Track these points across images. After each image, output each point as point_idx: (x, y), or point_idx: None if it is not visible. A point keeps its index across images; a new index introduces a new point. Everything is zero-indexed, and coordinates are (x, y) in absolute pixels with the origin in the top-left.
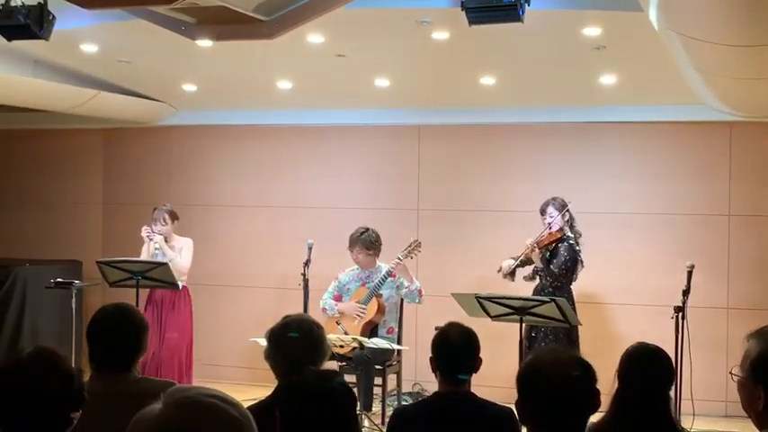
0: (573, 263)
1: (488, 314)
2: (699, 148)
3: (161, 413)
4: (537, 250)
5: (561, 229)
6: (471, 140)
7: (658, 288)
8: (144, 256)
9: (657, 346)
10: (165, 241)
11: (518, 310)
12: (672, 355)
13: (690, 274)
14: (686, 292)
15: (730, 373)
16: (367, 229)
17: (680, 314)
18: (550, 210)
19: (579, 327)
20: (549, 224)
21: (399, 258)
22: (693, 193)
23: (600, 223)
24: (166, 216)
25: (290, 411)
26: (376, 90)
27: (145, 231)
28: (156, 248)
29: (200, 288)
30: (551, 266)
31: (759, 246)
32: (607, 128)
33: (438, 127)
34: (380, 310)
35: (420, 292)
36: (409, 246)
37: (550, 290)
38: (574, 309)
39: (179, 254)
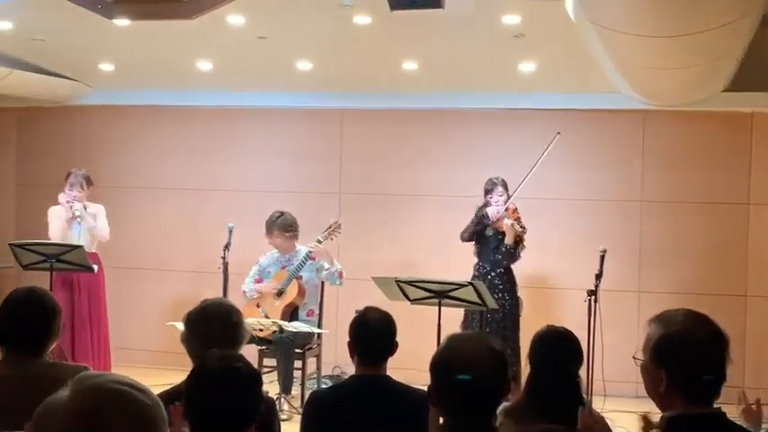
0: (518, 242)
1: (408, 298)
2: (613, 136)
3: (69, 400)
4: (517, 226)
5: (516, 209)
6: (394, 125)
7: (573, 272)
8: (57, 230)
9: (565, 329)
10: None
11: (437, 293)
12: (584, 337)
13: (602, 258)
14: (599, 276)
15: (633, 357)
16: (282, 213)
17: (592, 297)
18: (501, 189)
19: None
20: (505, 203)
21: (319, 240)
22: (608, 180)
23: (519, 208)
24: (83, 182)
25: (193, 395)
26: (298, 73)
27: (64, 198)
28: (77, 216)
29: (117, 272)
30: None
31: (669, 231)
32: (527, 114)
33: (361, 111)
34: (301, 292)
35: (341, 274)
36: (329, 228)
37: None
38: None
39: (94, 219)
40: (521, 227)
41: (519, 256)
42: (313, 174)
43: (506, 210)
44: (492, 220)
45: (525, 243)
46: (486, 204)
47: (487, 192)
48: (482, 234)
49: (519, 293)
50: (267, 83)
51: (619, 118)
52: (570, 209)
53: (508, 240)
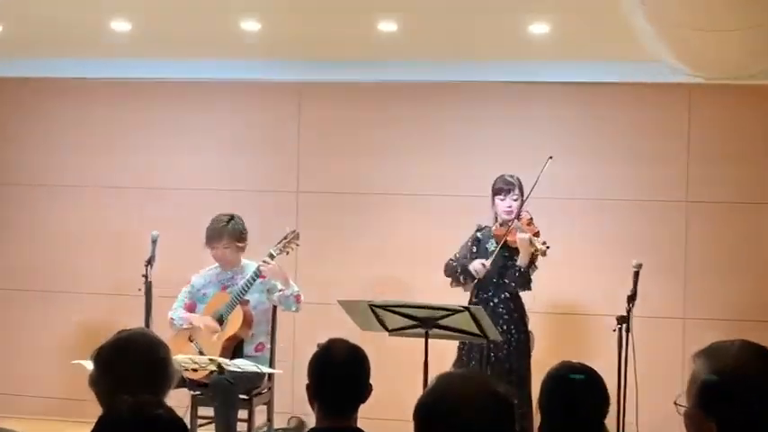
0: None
1: (385, 327)
2: (650, 117)
3: None
4: (536, 242)
5: (531, 220)
6: (367, 103)
7: (598, 293)
8: None
9: (585, 366)
10: None
11: (423, 321)
12: (613, 376)
13: (636, 275)
14: (632, 298)
15: (675, 403)
16: (232, 217)
17: (624, 326)
18: (517, 192)
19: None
20: (517, 212)
21: (271, 254)
22: (643, 174)
23: (540, 210)
24: None
25: None
26: (242, 36)
27: None
28: None
29: (2, 295)
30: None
31: (724, 240)
32: (539, 89)
33: (324, 85)
34: (246, 321)
35: (298, 297)
36: (284, 238)
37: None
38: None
39: None
40: (543, 244)
41: (530, 285)
42: (262, 167)
43: (518, 219)
44: (477, 277)
45: (537, 262)
46: (496, 216)
47: (498, 192)
48: (481, 248)
49: (529, 325)
50: (202, 48)
51: (657, 94)
52: (594, 212)
53: (522, 261)
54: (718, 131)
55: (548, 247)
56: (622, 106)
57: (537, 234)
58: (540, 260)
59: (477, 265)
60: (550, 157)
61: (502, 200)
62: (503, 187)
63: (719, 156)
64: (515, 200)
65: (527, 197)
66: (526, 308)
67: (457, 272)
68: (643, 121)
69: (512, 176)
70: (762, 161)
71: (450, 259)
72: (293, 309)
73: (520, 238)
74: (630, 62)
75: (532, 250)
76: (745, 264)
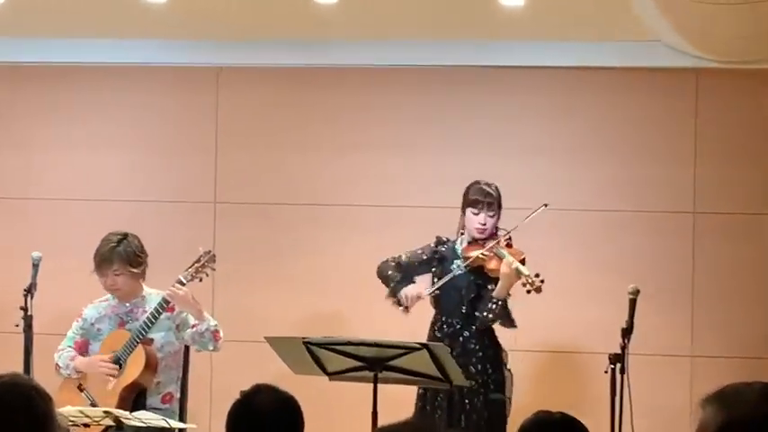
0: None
1: (324, 369)
2: (649, 109)
3: None
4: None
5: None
6: (301, 91)
7: (588, 325)
8: None
9: (566, 416)
10: None
11: (371, 362)
12: (605, 428)
13: (633, 303)
14: (627, 332)
15: None
16: (125, 236)
17: (618, 365)
18: (495, 207)
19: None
20: (491, 232)
21: (181, 281)
22: (640, 180)
23: (504, 222)
24: None
25: None
26: (145, 9)
27: None
28: None
29: None
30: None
31: (740, 261)
32: (514, 75)
33: (248, 69)
34: (151, 364)
35: (216, 334)
36: (197, 261)
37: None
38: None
39: None
40: (537, 276)
41: (513, 323)
42: (171, 171)
43: (497, 240)
44: (405, 305)
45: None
46: (462, 231)
47: (473, 204)
48: (444, 268)
49: (508, 364)
50: (95, 25)
51: (658, 80)
52: (582, 226)
53: (500, 292)
54: (734, 126)
55: (542, 281)
56: (615, 95)
57: (523, 261)
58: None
59: (412, 294)
60: (545, 205)
61: (475, 214)
62: (479, 199)
63: (734, 155)
64: (492, 216)
65: (506, 236)
66: (501, 343)
67: (387, 282)
68: (640, 114)
69: (490, 186)
70: None
71: (389, 259)
72: (210, 348)
73: (505, 266)
74: (624, 42)
75: (521, 283)
76: (765, 289)
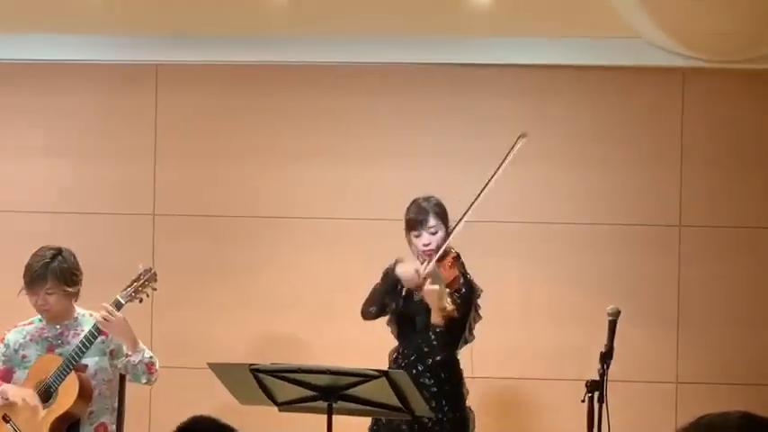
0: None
1: (273, 399)
2: (631, 112)
3: None
4: (447, 299)
5: (459, 256)
6: (248, 91)
7: (562, 350)
8: None
9: None
10: None
11: (325, 391)
12: None
13: (612, 325)
14: (606, 356)
15: None
16: (59, 251)
17: (596, 393)
18: (433, 220)
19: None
20: (439, 248)
21: (119, 302)
22: (621, 190)
23: (474, 237)
24: None
25: None
26: (80, 4)
27: None
28: None
29: None
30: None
31: (731, 278)
32: (481, 74)
33: (189, 67)
34: (84, 393)
35: (150, 366)
36: (136, 280)
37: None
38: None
39: None
40: (453, 303)
41: (465, 339)
42: (105, 181)
43: (438, 260)
44: (409, 286)
45: (481, 311)
46: (400, 260)
47: (411, 226)
48: (404, 300)
49: (468, 401)
50: (22, 19)
51: (641, 80)
52: (555, 241)
53: (435, 318)
54: (724, 130)
55: (457, 310)
56: (593, 97)
57: (455, 280)
58: (486, 302)
59: (410, 270)
60: (522, 135)
61: (417, 236)
62: (414, 218)
63: (724, 163)
64: (434, 233)
65: (478, 198)
66: (463, 376)
67: (381, 289)
68: (621, 117)
69: (427, 200)
70: None
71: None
72: (143, 381)
73: (428, 290)
74: (603, 39)
75: (446, 310)
76: (758, 309)
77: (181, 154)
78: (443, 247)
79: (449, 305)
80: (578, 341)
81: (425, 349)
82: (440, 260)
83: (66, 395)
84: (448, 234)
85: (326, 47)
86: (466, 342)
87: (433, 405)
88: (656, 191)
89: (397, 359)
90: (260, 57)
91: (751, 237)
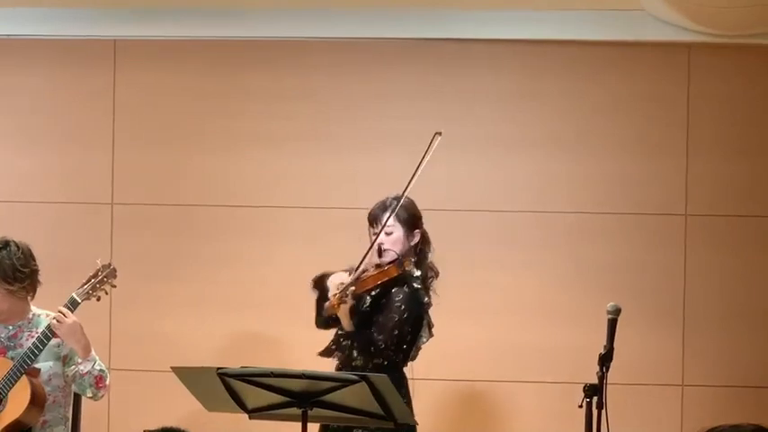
0: (414, 326)
1: (243, 406)
2: (631, 91)
3: None
4: (349, 299)
5: (400, 261)
6: (214, 70)
7: (557, 351)
8: None
9: None
10: None
11: (299, 397)
12: None
13: (612, 325)
14: (606, 358)
15: None
16: (5, 245)
17: (595, 398)
18: (389, 220)
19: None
20: (382, 247)
21: (75, 300)
22: (621, 176)
23: (461, 230)
24: None
25: None
26: None
27: None
28: None
29: None
30: (373, 332)
31: (742, 274)
32: (469, 49)
33: (150, 43)
34: (37, 400)
35: (99, 379)
36: (94, 276)
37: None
38: (408, 400)
39: None
40: (337, 293)
41: (387, 343)
42: (60, 167)
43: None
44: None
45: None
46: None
47: (369, 225)
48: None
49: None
50: None
51: (642, 56)
52: (550, 232)
53: (343, 322)
54: (732, 111)
55: (342, 298)
56: (592, 75)
57: (378, 276)
58: (473, 296)
59: (336, 280)
60: (438, 133)
61: (375, 234)
62: (369, 219)
63: (734, 145)
64: (389, 233)
65: (404, 192)
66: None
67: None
68: (622, 96)
69: (396, 199)
70: None
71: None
72: (89, 394)
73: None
74: (602, 12)
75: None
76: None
77: (141, 138)
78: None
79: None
80: (575, 341)
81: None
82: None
83: (17, 402)
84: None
85: (301, 20)
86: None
87: None
88: (659, 177)
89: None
90: (228, 32)
91: (765, 226)
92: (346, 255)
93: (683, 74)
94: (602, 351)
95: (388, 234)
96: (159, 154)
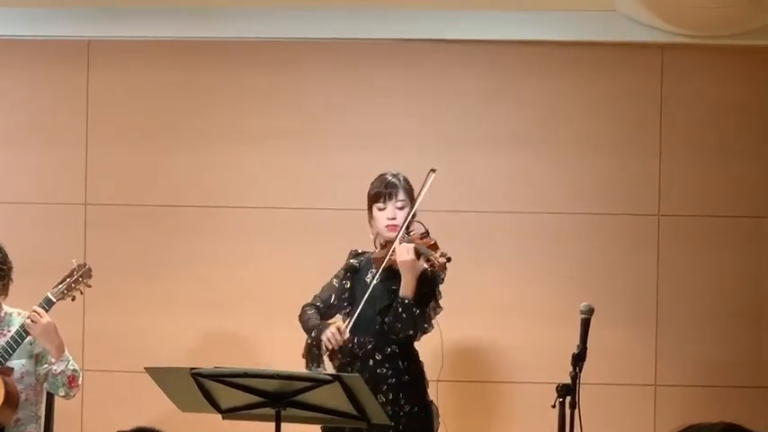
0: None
1: (217, 406)
2: (606, 92)
3: None
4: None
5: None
6: (189, 69)
7: (532, 350)
8: None
9: None
10: None
11: (273, 397)
12: None
13: (586, 324)
14: (579, 358)
15: None
16: None
17: (567, 398)
18: (403, 195)
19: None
20: (407, 223)
21: (50, 300)
22: (594, 176)
23: (435, 231)
24: None
25: None
26: None
27: None
28: None
29: None
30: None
31: (716, 273)
32: (443, 50)
33: (124, 43)
34: (11, 399)
35: (72, 379)
36: (69, 276)
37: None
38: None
39: None
40: (442, 256)
41: (430, 324)
42: (32, 167)
43: (407, 236)
44: (329, 349)
45: (441, 301)
46: (376, 236)
47: (376, 198)
48: (359, 281)
49: (430, 394)
50: None
51: (616, 57)
52: (525, 232)
53: (406, 289)
54: (705, 111)
55: (448, 259)
56: (564, 75)
57: (434, 246)
58: (448, 299)
59: (328, 334)
60: (433, 170)
61: (382, 209)
62: (381, 191)
63: (707, 145)
64: (401, 207)
65: (409, 217)
66: (424, 368)
67: (310, 340)
68: (595, 98)
69: (395, 175)
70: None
71: (306, 306)
72: (61, 393)
73: (402, 252)
74: (575, 12)
75: (423, 267)
76: (744, 306)
77: (115, 138)
78: (411, 222)
79: (435, 256)
80: (548, 341)
81: (383, 335)
82: (409, 235)
83: None
84: (410, 215)
85: (278, 20)
86: (425, 331)
87: (392, 397)
88: (632, 177)
89: (353, 349)
90: (203, 31)
91: (738, 227)
92: (321, 255)
93: (655, 74)
94: (576, 351)
95: (400, 209)
96: (133, 154)
